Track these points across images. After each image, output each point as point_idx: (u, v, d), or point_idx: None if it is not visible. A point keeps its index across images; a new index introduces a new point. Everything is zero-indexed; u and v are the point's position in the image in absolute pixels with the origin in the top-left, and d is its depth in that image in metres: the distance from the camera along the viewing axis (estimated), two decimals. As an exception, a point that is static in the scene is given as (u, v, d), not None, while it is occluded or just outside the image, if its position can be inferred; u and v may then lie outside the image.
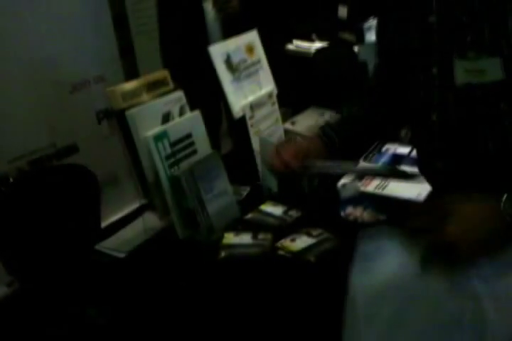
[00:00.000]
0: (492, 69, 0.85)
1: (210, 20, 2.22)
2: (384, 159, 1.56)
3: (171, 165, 1.11)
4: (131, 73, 2.39)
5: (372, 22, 1.71)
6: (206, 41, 2.16)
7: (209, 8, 2.18)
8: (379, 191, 1.36)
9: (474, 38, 0.87)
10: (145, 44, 2.47)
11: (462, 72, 0.88)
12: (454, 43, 0.90)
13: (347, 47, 2.25)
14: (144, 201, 1.24)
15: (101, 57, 2.29)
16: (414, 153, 1.56)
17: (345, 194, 1.32)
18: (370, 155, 1.59)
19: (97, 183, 1.38)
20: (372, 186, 1.39)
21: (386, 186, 1.39)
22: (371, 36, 1.67)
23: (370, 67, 1.68)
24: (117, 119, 1.11)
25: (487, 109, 0.89)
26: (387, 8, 1.06)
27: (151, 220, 1.18)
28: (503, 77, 0.84)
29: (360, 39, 1.65)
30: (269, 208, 1.26)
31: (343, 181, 1.40)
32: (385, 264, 0.87)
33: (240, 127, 1.37)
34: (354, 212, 1.23)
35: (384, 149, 1.62)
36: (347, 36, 2.90)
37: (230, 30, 1.41)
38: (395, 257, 0.87)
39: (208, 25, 2.20)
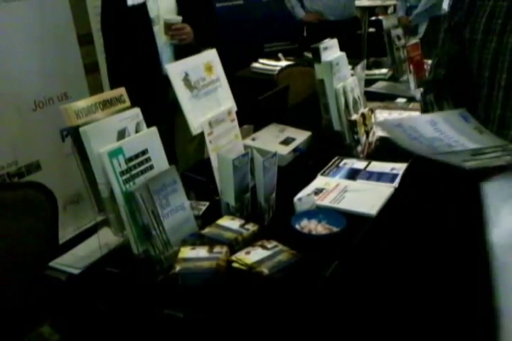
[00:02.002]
0: None
1: (162, 44, 2.22)
2: (341, 173, 1.60)
3: (126, 181, 1.12)
4: (96, 91, 2.40)
5: (329, 42, 1.77)
6: (158, 63, 2.19)
7: (161, 31, 2.18)
8: (334, 205, 1.40)
9: None
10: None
11: None
12: None
13: (308, 66, 2.31)
14: (100, 218, 1.24)
15: (65, 75, 2.30)
16: (370, 167, 1.62)
17: (301, 207, 1.36)
18: (328, 170, 1.63)
19: (55, 200, 1.37)
20: (327, 200, 1.43)
21: (341, 200, 1.43)
22: (327, 56, 1.73)
23: (328, 84, 1.73)
24: (73, 136, 1.13)
25: None
26: None
27: (107, 236, 1.18)
28: None
29: (317, 58, 1.71)
30: (226, 222, 1.28)
31: (299, 195, 1.43)
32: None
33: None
34: (309, 225, 1.27)
35: (342, 164, 1.67)
36: (309, 54, 2.98)
37: (184, 55, 1.44)
38: None
39: (159, 49, 2.22)
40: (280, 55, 3.60)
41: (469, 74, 1.17)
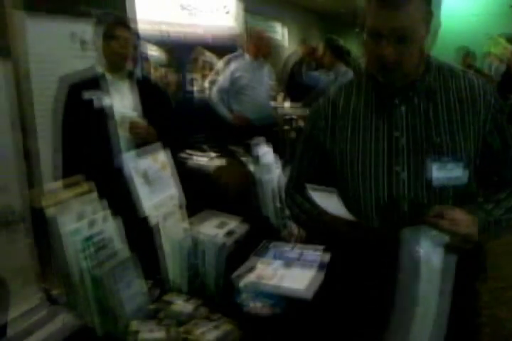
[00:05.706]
0: (461, 170, 1.29)
1: (124, 142, 2.30)
2: (271, 255, 1.77)
3: (91, 265, 1.23)
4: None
5: (258, 139, 2.05)
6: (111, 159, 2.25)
7: (121, 131, 2.27)
8: (271, 282, 1.52)
9: (453, 154, 1.27)
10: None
11: (438, 171, 1.28)
12: (428, 155, 1.27)
13: (241, 166, 2.48)
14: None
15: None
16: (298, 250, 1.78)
17: (241, 286, 1.48)
18: (259, 251, 1.80)
19: (6, 287, 1.40)
20: (266, 277, 1.54)
21: (282, 279, 1.52)
22: (257, 152, 2.00)
23: (265, 183, 1.98)
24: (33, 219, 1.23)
25: (454, 192, 1.29)
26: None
27: (65, 319, 1.23)
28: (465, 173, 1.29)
29: (251, 156, 1.96)
30: (172, 298, 1.41)
31: (238, 272, 1.57)
32: None
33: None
34: (253, 302, 1.39)
35: (271, 246, 1.85)
36: (235, 148, 3.26)
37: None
38: None
39: (120, 146, 2.29)
40: (205, 146, 3.85)
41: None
